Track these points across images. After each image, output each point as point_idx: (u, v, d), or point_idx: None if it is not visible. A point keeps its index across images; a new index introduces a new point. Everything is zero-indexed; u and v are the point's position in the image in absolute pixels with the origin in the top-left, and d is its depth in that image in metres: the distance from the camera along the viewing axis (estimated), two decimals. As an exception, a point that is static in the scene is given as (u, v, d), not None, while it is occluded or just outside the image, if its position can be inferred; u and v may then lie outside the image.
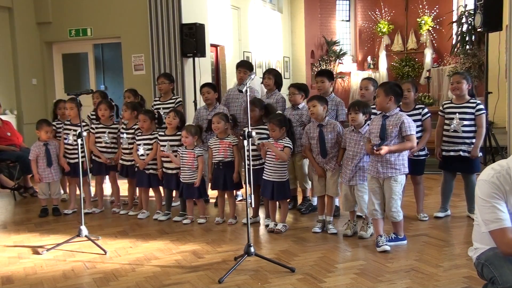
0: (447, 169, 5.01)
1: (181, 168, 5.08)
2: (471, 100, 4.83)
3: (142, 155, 5.31)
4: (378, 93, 4.21)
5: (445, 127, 4.89)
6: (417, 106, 4.88)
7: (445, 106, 4.96)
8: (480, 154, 4.87)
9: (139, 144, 5.34)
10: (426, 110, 4.86)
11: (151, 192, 5.50)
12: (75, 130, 5.49)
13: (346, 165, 4.45)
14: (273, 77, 5.65)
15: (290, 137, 4.77)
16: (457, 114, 4.81)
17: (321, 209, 4.77)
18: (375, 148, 4.05)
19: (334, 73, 15.13)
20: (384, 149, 4.03)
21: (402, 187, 4.17)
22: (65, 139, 5.62)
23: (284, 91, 5.97)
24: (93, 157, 5.65)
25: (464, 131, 4.77)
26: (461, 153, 4.79)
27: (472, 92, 4.89)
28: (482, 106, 4.82)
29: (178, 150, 5.13)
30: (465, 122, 4.77)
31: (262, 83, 5.71)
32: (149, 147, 5.31)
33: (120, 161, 5.57)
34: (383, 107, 4.17)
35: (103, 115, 5.61)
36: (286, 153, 4.70)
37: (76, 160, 5.46)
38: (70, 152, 5.63)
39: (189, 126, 5.21)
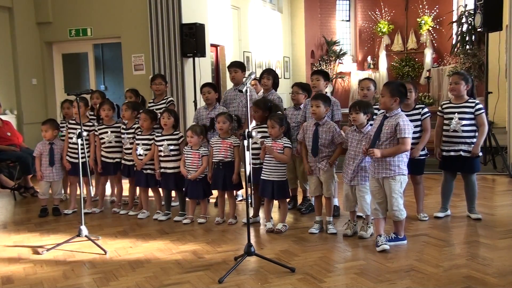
0: (448, 169, 5.00)
1: (187, 168, 5.08)
2: (470, 100, 4.82)
3: (140, 155, 5.32)
4: (383, 93, 4.14)
5: (445, 127, 4.88)
6: (416, 106, 4.87)
7: (444, 106, 4.96)
8: (480, 153, 4.87)
9: (138, 144, 5.34)
10: (426, 109, 4.84)
11: (151, 192, 5.50)
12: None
13: (348, 165, 4.43)
14: (271, 77, 5.65)
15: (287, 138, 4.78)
16: (456, 114, 4.80)
17: (318, 210, 4.75)
18: (368, 150, 4.07)
19: (334, 73, 15.17)
20: (376, 152, 4.04)
21: (403, 186, 4.16)
22: (70, 138, 5.62)
23: (284, 90, 5.98)
24: (102, 158, 5.64)
25: (463, 131, 4.76)
26: (461, 153, 4.78)
27: (471, 92, 4.87)
28: (481, 106, 4.81)
29: (184, 150, 5.12)
30: (464, 122, 4.76)
31: (260, 83, 5.69)
32: (148, 147, 5.31)
33: (123, 161, 5.58)
34: (387, 107, 4.14)
35: (107, 115, 5.60)
36: (287, 154, 4.69)
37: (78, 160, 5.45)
38: (73, 152, 5.63)
39: (195, 126, 5.20)
